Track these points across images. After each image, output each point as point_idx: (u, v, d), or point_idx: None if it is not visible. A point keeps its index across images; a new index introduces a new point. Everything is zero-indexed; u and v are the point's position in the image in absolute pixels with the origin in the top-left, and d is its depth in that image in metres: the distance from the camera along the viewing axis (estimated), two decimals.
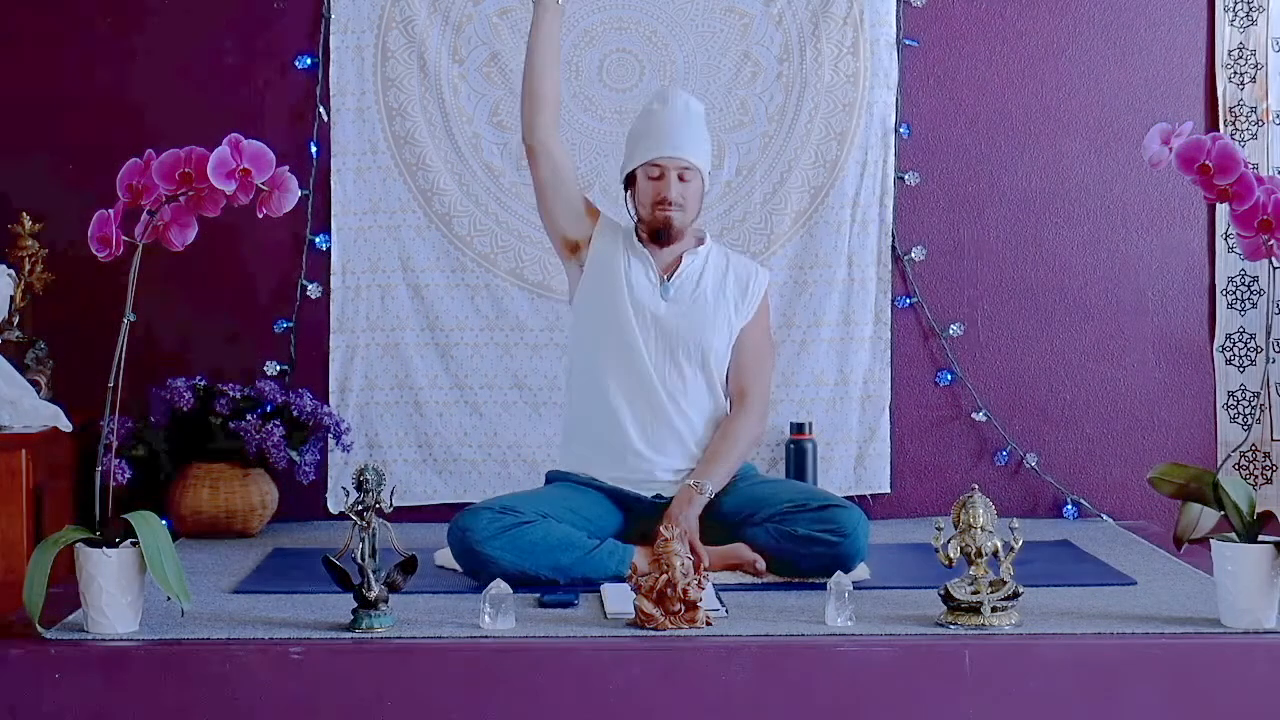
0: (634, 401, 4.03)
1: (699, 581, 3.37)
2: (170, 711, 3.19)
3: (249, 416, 4.53)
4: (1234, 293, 4.92)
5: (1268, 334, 4.44)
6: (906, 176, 4.90)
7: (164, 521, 3.37)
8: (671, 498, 4.02)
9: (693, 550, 3.66)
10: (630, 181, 4.09)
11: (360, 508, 3.35)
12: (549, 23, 3.98)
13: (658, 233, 4.05)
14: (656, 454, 4.04)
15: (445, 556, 3.99)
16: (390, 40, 4.84)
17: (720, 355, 4.08)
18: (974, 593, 3.35)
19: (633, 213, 4.10)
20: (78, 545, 3.29)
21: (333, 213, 4.85)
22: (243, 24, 4.85)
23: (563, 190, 4.07)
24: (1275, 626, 3.33)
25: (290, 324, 4.85)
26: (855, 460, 4.88)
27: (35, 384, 4.44)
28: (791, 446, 4.74)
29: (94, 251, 3.31)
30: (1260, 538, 3.36)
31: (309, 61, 4.84)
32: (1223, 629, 3.35)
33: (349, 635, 3.31)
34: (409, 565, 3.40)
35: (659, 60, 4.89)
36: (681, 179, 4.01)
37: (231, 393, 4.58)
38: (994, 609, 3.34)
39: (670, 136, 4.01)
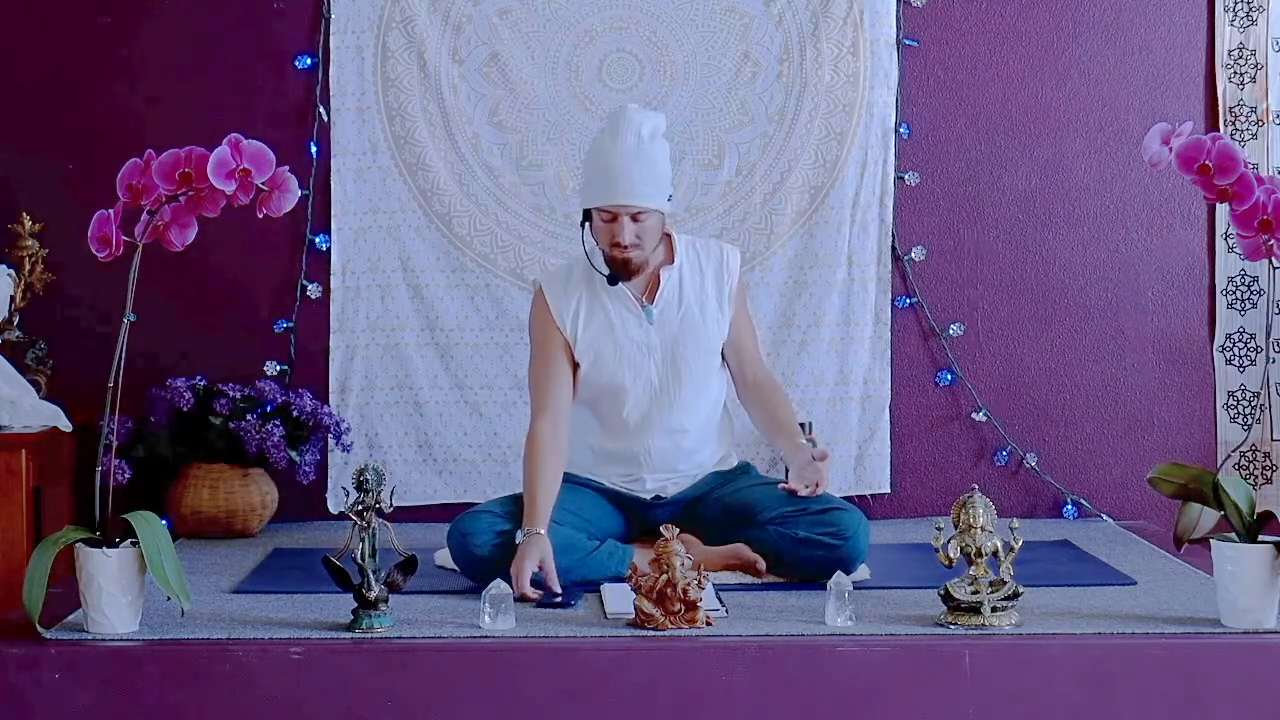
0: (628, 430, 4.01)
1: (699, 581, 3.37)
2: (170, 711, 3.19)
3: (249, 416, 4.53)
4: (1234, 293, 4.92)
5: (1268, 334, 4.44)
6: (906, 176, 4.90)
7: (164, 521, 3.37)
8: (669, 498, 4.03)
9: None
10: (588, 216, 3.98)
11: (360, 508, 3.35)
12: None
13: (619, 272, 3.98)
14: (653, 463, 4.03)
15: (445, 556, 3.98)
16: (390, 40, 4.84)
17: (717, 353, 4.07)
18: (974, 593, 3.35)
19: (590, 247, 4.00)
20: (78, 545, 3.29)
21: (333, 213, 4.85)
22: (243, 24, 4.84)
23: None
24: (1275, 626, 3.33)
25: (290, 324, 4.85)
26: (855, 460, 4.88)
27: (35, 384, 4.44)
28: None
29: (94, 251, 3.31)
30: (1260, 538, 3.36)
31: (309, 61, 4.84)
32: (1223, 629, 3.35)
33: (349, 635, 3.31)
34: (409, 565, 3.40)
35: (659, 60, 4.89)
36: (635, 219, 3.90)
37: (231, 393, 4.58)
38: (994, 609, 3.34)
39: (620, 181, 3.87)
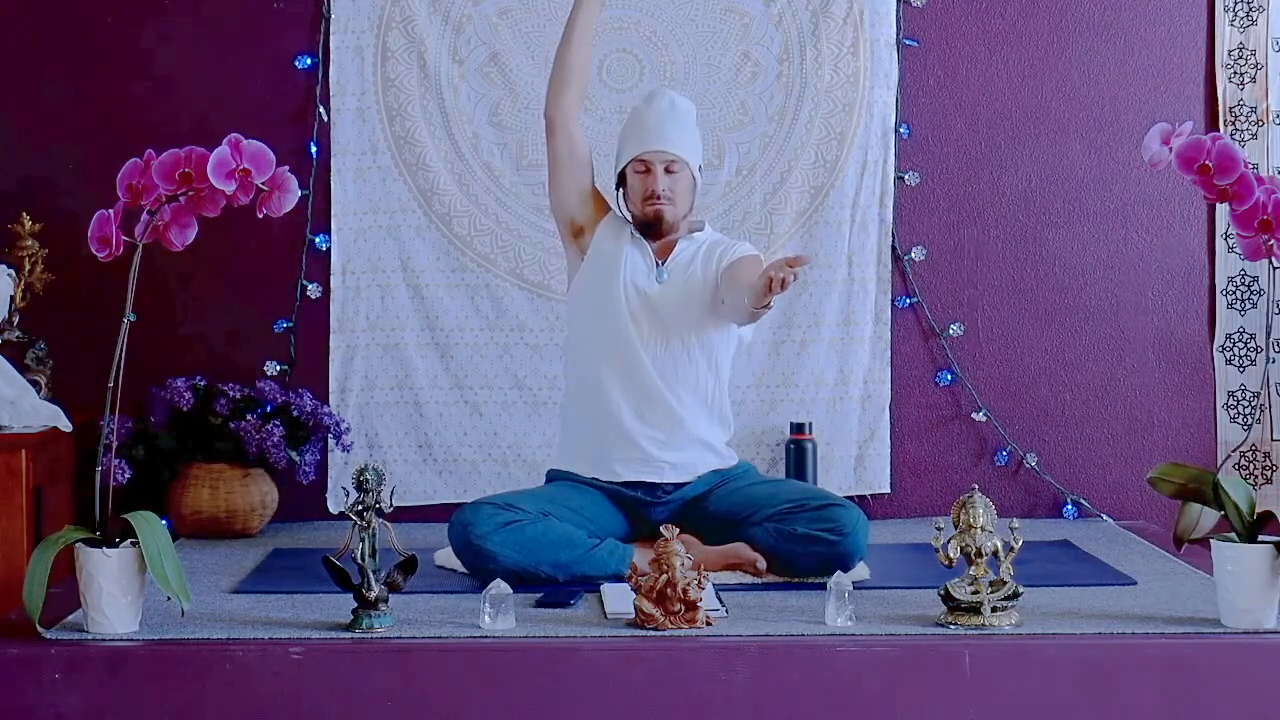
0: (628, 383, 4.03)
1: (699, 581, 3.37)
2: (170, 711, 3.20)
3: (249, 416, 4.54)
4: (1234, 293, 4.92)
5: (1268, 334, 4.44)
6: (906, 176, 4.90)
7: (164, 521, 3.37)
8: (670, 492, 4.03)
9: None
10: (622, 181, 4.12)
11: (360, 508, 3.36)
12: (591, 4, 4.08)
13: (650, 227, 4.08)
14: (651, 434, 4.03)
15: (445, 556, 3.99)
16: (390, 40, 4.84)
17: (716, 336, 4.08)
18: (974, 593, 3.35)
19: (626, 212, 4.13)
20: (78, 545, 3.29)
21: (333, 213, 4.85)
22: (243, 24, 4.84)
23: (575, 170, 4.13)
24: (1275, 626, 3.33)
25: (290, 324, 4.85)
26: (855, 460, 4.88)
27: (35, 384, 4.44)
28: (791, 446, 4.74)
29: (94, 251, 3.31)
30: (1260, 538, 3.36)
31: (309, 61, 4.84)
32: (1223, 629, 3.35)
33: (349, 635, 3.31)
34: (409, 565, 3.40)
35: (659, 60, 4.89)
36: (669, 171, 4.06)
37: (231, 393, 4.58)
38: (994, 609, 3.34)
39: (655, 131, 4.06)
